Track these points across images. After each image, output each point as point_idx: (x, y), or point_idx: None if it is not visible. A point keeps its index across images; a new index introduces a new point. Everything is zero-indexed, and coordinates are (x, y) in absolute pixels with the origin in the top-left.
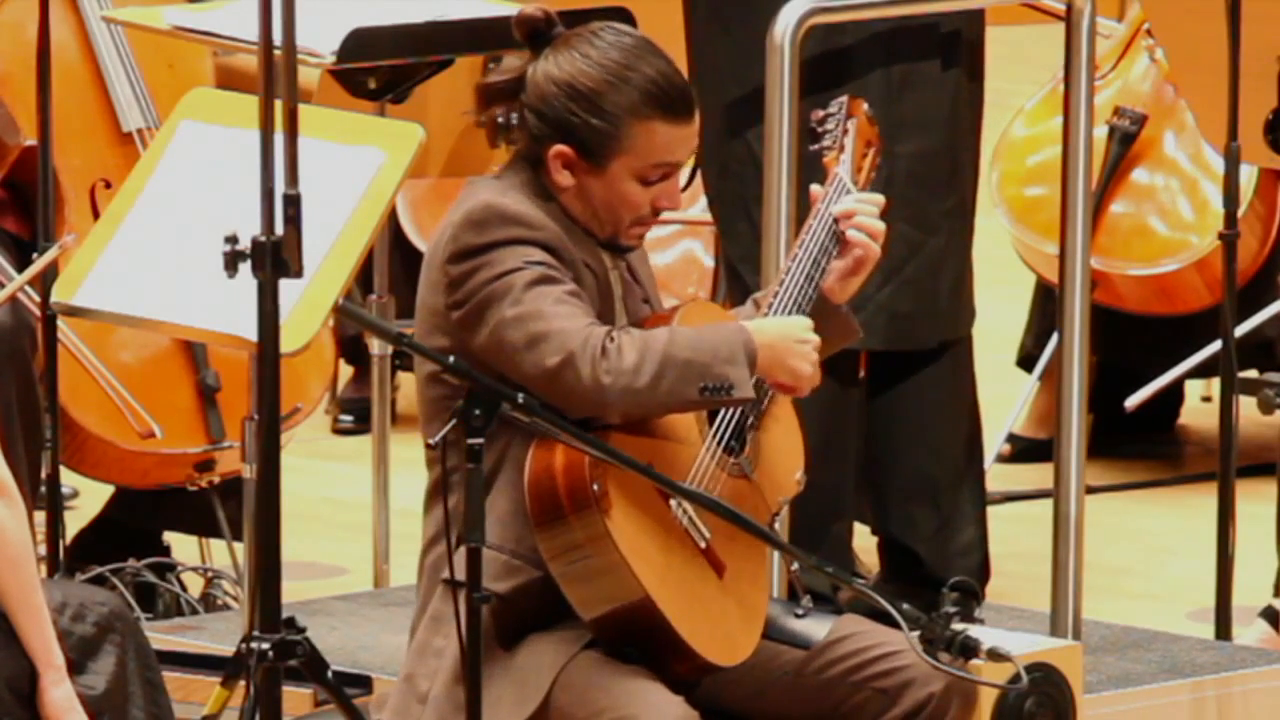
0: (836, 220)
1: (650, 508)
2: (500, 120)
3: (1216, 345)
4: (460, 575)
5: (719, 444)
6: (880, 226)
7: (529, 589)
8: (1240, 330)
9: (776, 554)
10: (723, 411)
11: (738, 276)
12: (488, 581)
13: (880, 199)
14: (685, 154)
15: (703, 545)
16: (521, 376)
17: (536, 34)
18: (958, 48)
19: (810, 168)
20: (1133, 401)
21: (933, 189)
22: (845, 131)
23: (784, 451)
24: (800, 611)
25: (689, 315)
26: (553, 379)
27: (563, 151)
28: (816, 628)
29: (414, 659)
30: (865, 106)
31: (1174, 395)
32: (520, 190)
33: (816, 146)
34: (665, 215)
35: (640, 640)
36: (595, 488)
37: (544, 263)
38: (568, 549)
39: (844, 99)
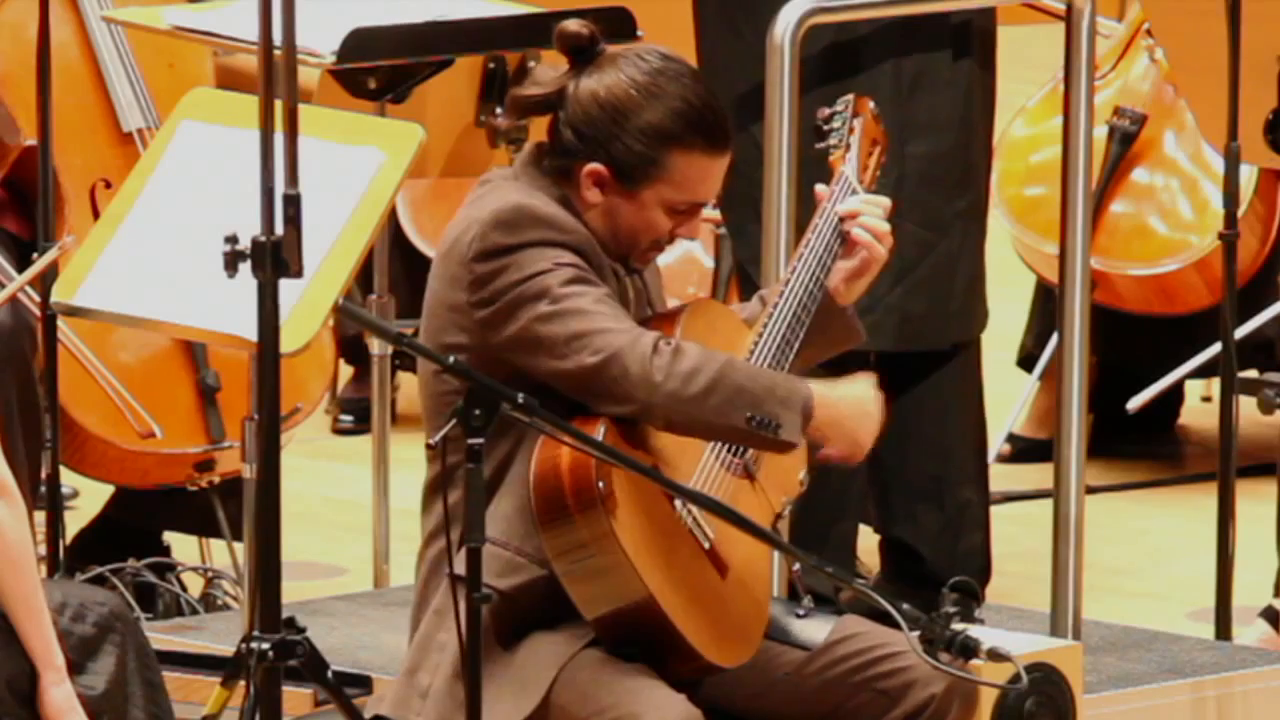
0: (842, 219)
1: (655, 507)
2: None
3: (1217, 346)
4: (461, 573)
5: (725, 446)
6: (885, 228)
7: (532, 587)
8: (1240, 331)
9: (778, 554)
10: None
11: (747, 277)
12: (491, 578)
13: (886, 201)
14: (715, 190)
15: (707, 546)
16: (555, 372)
17: (579, 49)
18: (969, 37)
19: (816, 166)
20: (1135, 403)
21: (945, 190)
22: (851, 130)
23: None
24: (802, 612)
25: (695, 314)
26: (593, 376)
27: (597, 170)
28: (818, 629)
29: (417, 653)
30: (871, 105)
31: (1174, 395)
32: (544, 195)
33: (822, 145)
34: None
35: (643, 640)
36: (600, 486)
37: (575, 265)
38: (572, 548)
39: (850, 97)
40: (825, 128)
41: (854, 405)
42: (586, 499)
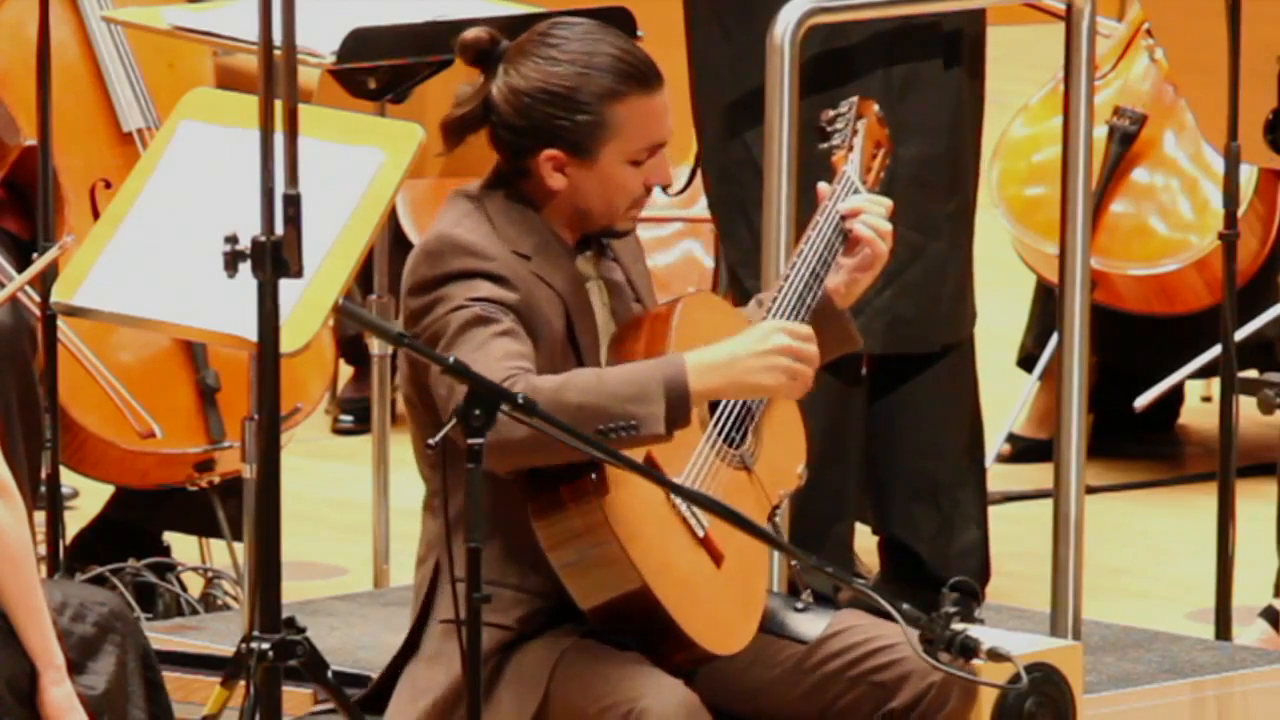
0: (843, 218)
1: (648, 497)
2: None
3: (1220, 347)
4: (458, 607)
5: (719, 435)
6: (887, 227)
7: (535, 617)
8: (1240, 334)
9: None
10: (722, 403)
11: (737, 280)
12: (495, 616)
13: (888, 201)
14: (668, 127)
15: (701, 534)
16: (447, 413)
17: (484, 55)
18: (960, 46)
19: (818, 167)
20: (1141, 402)
21: (934, 193)
22: (855, 132)
23: (786, 444)
24: (800, 606)
25: (690, 308)
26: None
27: (553, 155)
28: (815, 623)
29: (417, 696)
30: (876, 108)
31: (1174, 395)
32: (495, 214)
33: (825, 146)
34: (665, 215)
35: (638, 629)
36: (593, 476)
37: (486, 299)
38: (567, 539)
39: (854, 99)
40: (828, 129)
41: (741, 354)
42: (579, 489)
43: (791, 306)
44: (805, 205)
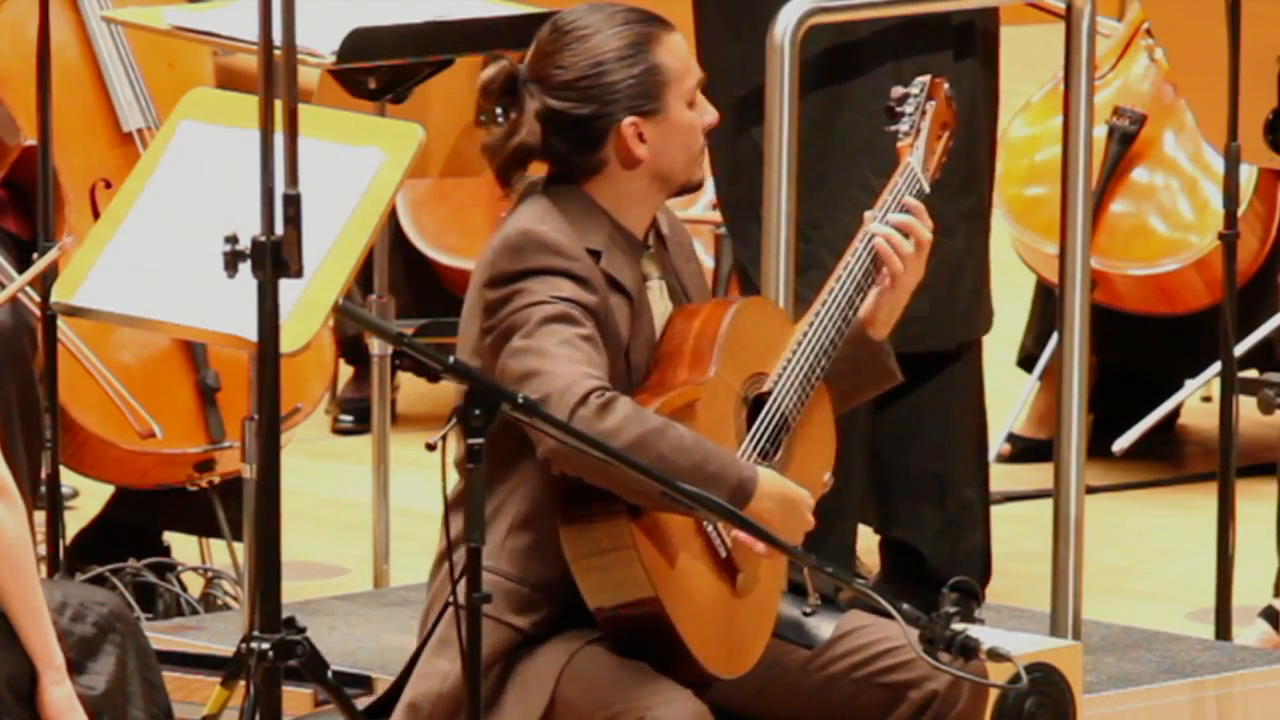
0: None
1: (676, 519)
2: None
3: (1213, 369)
4: (457, 606)
5: (754, 448)
6: (910, 249)
7: (547, 622)
8: (1240, 348)
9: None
10: (761, 417)
11: (747, 279)
12: (510, 614)
13: (928, 236)
14: (695, 63)
15: (723, 554)
16: None
17: (511, 85)
18: (971, 38)
19: (870, 150)
20: (1121, 444)
21: (949, 191)
22: (923, 114)
23: (815, 453)
24: (809, 610)
25: (744, 311)
26: None
27: (632, 121)
28: (823, 626)
29: (418, 681)
30: (946, 87)
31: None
32: (565, 210)
33: (893, 129)
34: None
35: (645, 643)
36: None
37: (569, 299)
38: (591, 551)
39: (926, 78)
40: (898, 109)
41: (796, 505)
42: (611, 507)
43: (839, 305)
44: (804, 203)
